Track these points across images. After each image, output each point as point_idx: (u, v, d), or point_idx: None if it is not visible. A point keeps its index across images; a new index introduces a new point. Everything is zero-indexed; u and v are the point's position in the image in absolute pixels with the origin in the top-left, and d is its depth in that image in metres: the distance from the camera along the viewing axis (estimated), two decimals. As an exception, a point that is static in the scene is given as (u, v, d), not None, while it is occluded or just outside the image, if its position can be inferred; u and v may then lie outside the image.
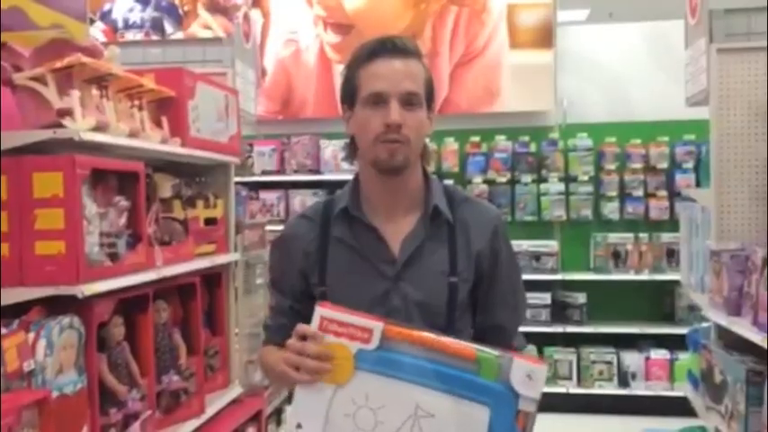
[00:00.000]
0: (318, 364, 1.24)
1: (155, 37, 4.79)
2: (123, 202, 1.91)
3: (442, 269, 1.40)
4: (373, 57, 1.38)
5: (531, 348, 5.07)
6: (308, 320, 1.29)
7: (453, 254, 1.41)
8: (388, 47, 1.38)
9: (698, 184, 4.68)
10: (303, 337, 1.26)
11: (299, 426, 1.25)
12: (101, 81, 1.83)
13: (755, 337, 2.24)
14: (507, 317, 1.48)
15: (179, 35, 4.90)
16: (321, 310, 1.26)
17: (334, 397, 1.23)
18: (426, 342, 1.22)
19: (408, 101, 1.36)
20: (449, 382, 1.20)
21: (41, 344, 1.59)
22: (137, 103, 2.05)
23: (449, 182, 5.43)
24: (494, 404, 1.18)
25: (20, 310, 1.62)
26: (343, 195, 1.47)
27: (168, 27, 5.05)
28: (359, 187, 1.46)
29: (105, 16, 5.00)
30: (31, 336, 1.59)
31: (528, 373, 1.18)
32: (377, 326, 1.23)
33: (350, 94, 1.41)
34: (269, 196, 5.26)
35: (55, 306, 1.68)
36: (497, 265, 1.45)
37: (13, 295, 1.62)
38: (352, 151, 1.47)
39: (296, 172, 5.21)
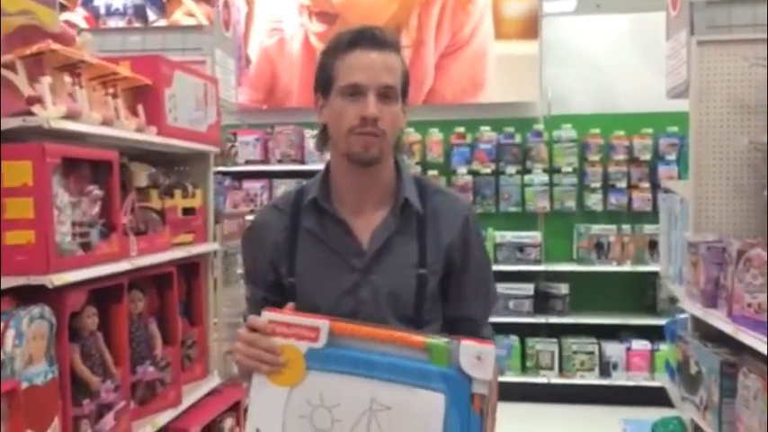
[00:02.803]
0: (272, 357, 1.23)
1: (137, 24, 4.74)
2: (96, 191, 1.89)
3: (412, 261, 1.40)
4: (352, 47, 1.36)
5: (513, 339, 5.11)
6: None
7: (423, 246, 1.40)
8: (367, 38, 1.36)
9: (680, 177, 4.70)
10: (254, 330, 1.26)
11: (257, 431, 1.24)
12: (73, 68, 1.80)
13: (729, 328, 2.25)
14: (477, 308, 1.47)
15: (162, 23, 4.85)
16: (267, 314, 1.26)
17: (288, 399, 1.23)
18: (375, 335, 1.22)
19: (385, 94, 1.35)
20: (401, 373, 1.19)
21: (10, 334, 1.58)
22: (111, 90, 2.03)
23: (433, 172, 5.45)
24: (448, 390, 1.18)
25: (-11, 299, 1.61)
26: (313, 185, 1.45)
27: (151, 14, 4.99)
28: (329, 177, 1.45)
29: (87, 2, 4.94)
30: (0, 326, 1.57)
31: (477, 355, 1.18)
32: (323, 324, 1.23)
33: (325, 83, 1.39)
34: (252, 186, 5.24)
35: (26, 296, 1.67)
36: (468, 257, 1.44)
37: (-18, 285, 1.60)
38: (323, 140, 1.46)
39: (280, 162, 5.19)
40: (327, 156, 1.49)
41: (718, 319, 2.36)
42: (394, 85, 1.36)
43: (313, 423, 1.22)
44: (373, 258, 1.39)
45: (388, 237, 1.40)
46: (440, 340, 1.21)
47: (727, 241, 2.45)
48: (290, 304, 1.30)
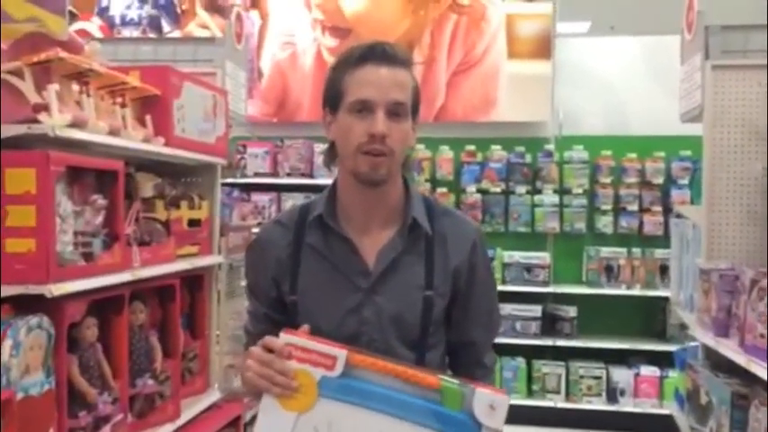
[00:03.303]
0: (286, 381, 1.20)
1: (151, 35, 4.77)
2: (100, 200, 1.87)
3: (418, 283, 1.36)
4: (362, 62, 1.33)
5: (519, 361, 5.05)
6: (282, 328, 1.27)
7: (430, 268, 1.37)
8: (377, 53, 1.33)
9: (692, 201, 4.65)
10: (269, 350, 1.23)
11: None
12: (81, 77, 1.79)
13: (741, 359, 2.20)
14: (480, 334, 1.44)
15: (176, 34, 4.88)
16: (285, 337, 1.24)
17: (296, 425, 1.21)
18: (390, 370, 1.20)
19: (395, 111, 1.31)
20: (412, 412, 1.18)
21: (7, 344, 1.55)
22: (119, 100, 2.01)
23: (442, 190, 5.43)
24: None
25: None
26: (319, 201, 1.42)
27: (165, 25, 5.03)
28: (336, 194, 1.42)
29: (103, 12, 4.98)
30: (-3, 335, 1.55)
31: (490, 404, 1.17)
32: (341, 353, 1.21)
33: (334, 99, 1.36)
34: (261, 198, 5.23)
35: (25, 305, 1.65)
36: (474, 282, 1.41)
37: (-19, 293, 1.58)
38: (331, 157, 1.43)
39: (289, 175, 5.18)
40: (336, 171, 1.46)
41: (729, 350, 2.31)
42: (404, 102, 1.33)
43: None
44: (378, 279, 1.36)
45: (395, 257, 1.37)
46: (454, 383, 1.20)
47: (739, 269, 2.41)
48: (305, 327, 1.27)
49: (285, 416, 1.21)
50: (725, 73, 2.69)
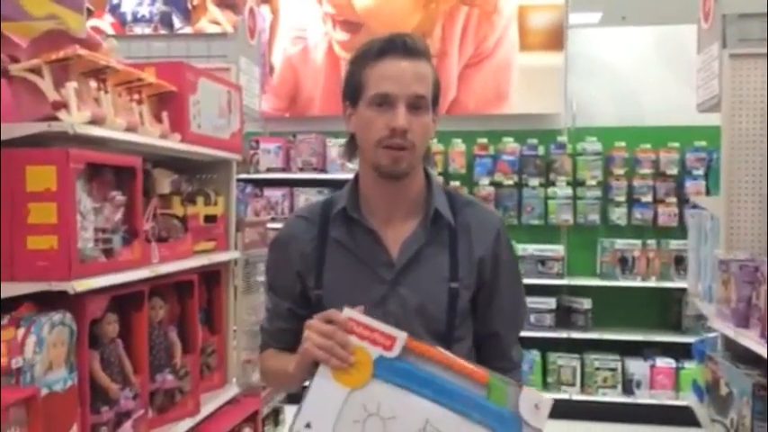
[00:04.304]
0: (345, 353, 1.21)
1: (163, 31, 4.78)
2: (119, 197, 1.87)
3: (443, 275, 1.36)
4: (382, 55, 1.32)
5: (534, 353, 5.03)
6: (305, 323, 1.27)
7: (455, 259, 1.37)
8: (397, 46, 1.32)
9: (708, 192, 4.62)
10: (330, 322, 1.23)
11: (308, 425, 1.22)
12: (99, 74, 1.79)
13: (762, 349, 2.18)
14: (506, 326, 1.43)
15: (187, 30, 4.88)
16: (348, 311, 1.25)
17: (346, 400, 1.22)
18: (443, 360, 1.23)
19: (416, 104, 1.31)
20: (460, 402, 1.21)
21: (31, 340, 1.56)
22: (136, 97, 2.01)
23: (455, 183, 5.42)
24: (499, 429, 1.20)
25: (11, 305, 1.59)
26: (341, 195, 1.43)
27: (177, 22, 5.02)
28: (358, 187, 1.42)
29: (114, 9, 4.99)
30: (21, 332, 1.55)
31: (536, 403, 1.21)
32: (401, 335, 1.23)
33: (354, 92, 1.36)
34: (274, 194, 5.23)
35: (47, 302, 1.65)
36: (498, 272, 1.40)
37: (4, 290, 1.59)
38: (351, 149, 1.43)
39: (301, 170, 5.18)
40: (349, 165, 1.46)
41: (750, 340, 2.29)
42: (424, 95, 1.32)
43: (364, 430, 1.21)
44: (402, 271, 1.36)
45: (418, 249, 1.37)
46: (501, 380, 1.23)
47: (759, 260, 2.39)
48: (361, 306, 1.27)
49: (337, 390, 1.22)
50: (743, 61, 2.66)
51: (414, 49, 1.33)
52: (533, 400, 1.21)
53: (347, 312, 1.25)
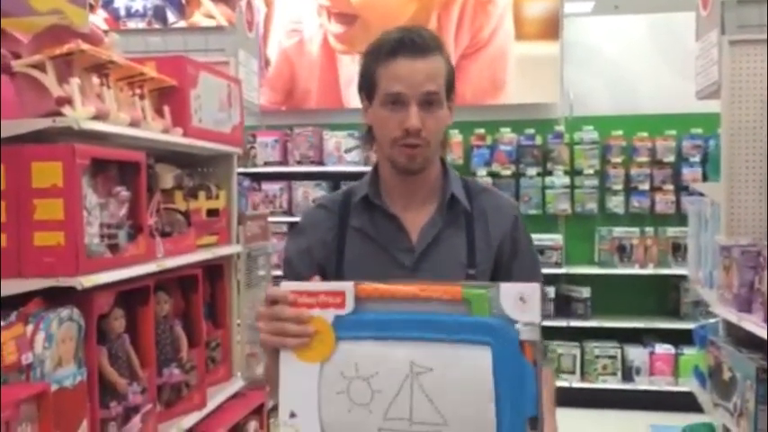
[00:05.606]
0: (299, 327, 1.11)
1: (157, 26, 4.75)
2: (124, 192, 1.87)
3: (460, 260, 1.37)
4: (394, 55, 1.33)
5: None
6: None
7: (472, 245, 1.38)
8: (408, 45, 1.32)
9: (704, 178, 4.63)
10: (274, 302, 1.16)
11: (292, 415, 1.13)
12: (101, 69, 1.79)
13: (765, 334, 2.20)
14: None
15: (181, 24, 4.85)
16: (287, 284, 1.17)
17: (321, 375, 1.11)
18: (405, 293, 1.10)
19: (428, 101, 1.32)
20: (439, 330, 1.08)
21: (40, 336, 1.56)
22: (138, 91, 2.01)
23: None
24: (493, 341, 1.06)
25: (18, 301, 1.59)
26: (362, 185, 1.44)
27: (171, 16, 5.00)
28: (378, 175, 1.44)
29: (107, 4, 4.96)
30: (30, 328, 1.56)
31: (519, 296, 1.06)
32: (348, 286, 1.12)
33: (368, 88, 1.38)
34: (271, 187, 5.22)
35: (54, 298, 1.65)
36: (516, 257, 1.41)
37: (12, 287, 1.59)
38: (369, 140, 1.45)
39: (299, 163, 5.17)
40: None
41: (753, 325, 2.31)
42: (437, 91, 1.33)
43: (351, 398, 1.10)
44: (421, 256, 1.37)
45: (436, 234, 1.39)
46: (478, 287, 1.09)
47: (761, 245, 2.40)
48: (317, 276, 1.22)
49: (307, 369, 1.12)
50: (742, 48, 2.67)
51: (424, 46, 1.33)
52: (515, 294, 1.06)
53: (285, 285, 1.15)
